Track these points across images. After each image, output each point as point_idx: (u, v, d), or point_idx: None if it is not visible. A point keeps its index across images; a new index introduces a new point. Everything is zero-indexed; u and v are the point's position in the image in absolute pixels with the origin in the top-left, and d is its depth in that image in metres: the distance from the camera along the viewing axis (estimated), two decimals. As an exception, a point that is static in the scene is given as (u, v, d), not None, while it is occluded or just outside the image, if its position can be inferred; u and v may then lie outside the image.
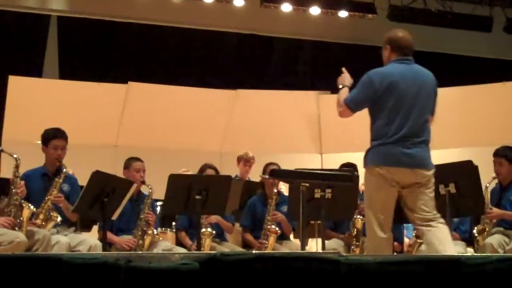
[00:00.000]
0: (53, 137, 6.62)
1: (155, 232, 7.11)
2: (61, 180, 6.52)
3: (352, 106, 5.63)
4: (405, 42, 5.81)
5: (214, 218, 7.58)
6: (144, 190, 7.34)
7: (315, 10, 12.02)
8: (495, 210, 7.05)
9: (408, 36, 5.86)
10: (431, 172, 5.63)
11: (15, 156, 6.23)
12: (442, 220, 5.67)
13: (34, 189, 6.48)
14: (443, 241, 5.53)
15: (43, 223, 6.36)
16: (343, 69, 5.94)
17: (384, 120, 5.55)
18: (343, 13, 12.12)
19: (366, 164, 5.66)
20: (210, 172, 7.87)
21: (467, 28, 12.51)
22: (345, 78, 5.86)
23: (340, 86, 5.80)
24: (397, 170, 5.52)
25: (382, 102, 5.55)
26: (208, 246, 7.33)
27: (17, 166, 6.21)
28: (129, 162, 7.34)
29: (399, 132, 5.50)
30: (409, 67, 5.75)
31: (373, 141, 5.61)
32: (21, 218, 6.11)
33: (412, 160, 5.52)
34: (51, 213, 6.40)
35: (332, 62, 12.88)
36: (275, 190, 7.78)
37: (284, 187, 8.25)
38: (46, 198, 6.42)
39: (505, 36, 12.75)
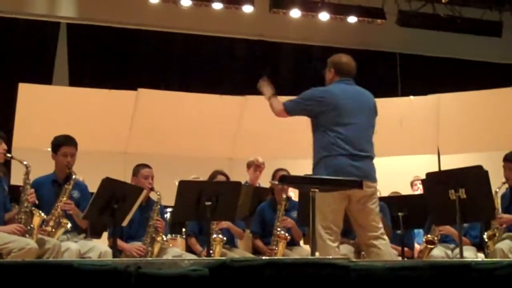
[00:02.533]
0: (63, 144, 6.63)
1: (164, 239, 7.11)
2: (70, 187, 6.53)
3: (289, 110, 6.22)
4: (348, 66, 6.20)
5: (225, 224, 7.58)
6: (153, 196, 7.34)
7: (324, 16, 12.02)
8: (506, 215, 7.04)
9: (351, 61, 6.24)
10: (375, 185, 6.05)
11: (25, 163, 6.25)
12: (385, 236, 6.07)
13: (44, 196, 6.50)
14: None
15: (53, 229, 6.36)
16: (262, 80, 6.52)
17: (328, 134, 5.94)
18: (352, 19, 12.11)
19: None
20: (220, 178, 7.87)
21: (476, 33, 12.49)
22: (269, 89, 6.44)
23: (269, 96, 6.42)
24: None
25: (324, 116, 5.98)
26: (219, 253, 7.33)
27: (27, 173, 6.23)
28: (137, 169, 7.35)
29: (345, 146, 5.88)
30: (350, 87, 6.14)
31: (318, 154, 5.99)
32: (32, 225, 6.13)
33: (360, 172, 5.87)
34: (61, 220, 6.40)
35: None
36: (284, 196, 7.77)
37: (293, 193, 8.24)
38: (56, 205, 6.43)
39: (515, 41, 12.74)
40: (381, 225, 6.07)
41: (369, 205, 5.99)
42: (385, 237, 6.06)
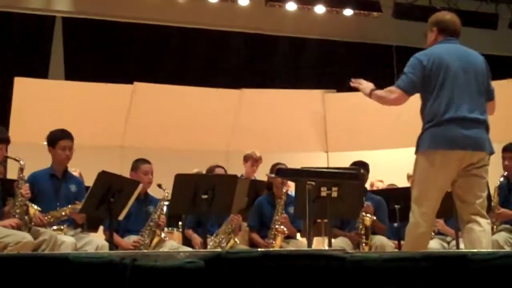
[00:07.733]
0: (61, 138, 6.63)
1: (163, 235, 7.11)
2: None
3: (408, 89, 5.45)
4: (454, 24, 5.62)
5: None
6: (151, 191, 7.32)
7: (320, 9, 12.01)
8: (503, 210, 7.07)
9: (456, 18, 5.66)
10: (487, 156, 5.42)
11: (19, 160, 6.24)
12: (486, 216, 5.42)
13: (43, 190, 6.51)
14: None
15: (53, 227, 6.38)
16: (354, 81, 5.79)
17: (435, 100, 5.39)
18: (348, 12, 12.11)
19: (418, 150, 5.43)
20: (219, 171, 7.86)
21: (472, 26, 12.46)
22: (368, 85, 5.69)
23: (369, 92, 5.62)
24: (454, 153, 5.29)
25: (431, 81, 5.40)
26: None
27: (21, 169, 6.22)
28: (137, 164, 7.30)
29: (453, 111, 5.33)
30: (454, 46, 5.57)
31: (426, 124, 5.43)
32: (27, 217, 6.13)
33: (470, 142, 5.32)
34: (63, 226, 6.45)
35: (337, 61, 12.90)
36: (284, 190, 7.76)
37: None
38: (64, 208, 6.45)
39: (511, 33, 12.72)
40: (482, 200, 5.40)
41: (474, 176, 5.35)
42: (486, 216, 5.40)
